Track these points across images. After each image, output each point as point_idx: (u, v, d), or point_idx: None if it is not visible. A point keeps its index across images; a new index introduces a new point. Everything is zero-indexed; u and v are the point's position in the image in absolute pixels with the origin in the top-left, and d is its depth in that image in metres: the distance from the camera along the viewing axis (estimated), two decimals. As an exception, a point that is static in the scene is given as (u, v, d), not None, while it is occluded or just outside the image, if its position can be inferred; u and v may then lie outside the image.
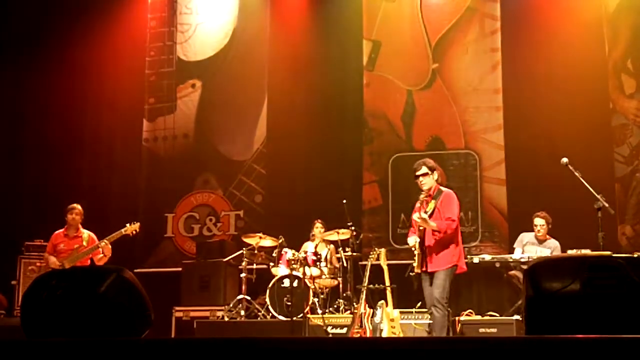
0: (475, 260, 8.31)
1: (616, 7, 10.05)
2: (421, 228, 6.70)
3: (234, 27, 11.41)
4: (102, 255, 8.07)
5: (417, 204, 6.90)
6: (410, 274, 6.81)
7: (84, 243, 8.18)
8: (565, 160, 7.50)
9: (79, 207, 8.36)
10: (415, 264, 6.75)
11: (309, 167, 10.65)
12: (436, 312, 6.64)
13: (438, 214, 6.66)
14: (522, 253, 8.46)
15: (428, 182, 6.76)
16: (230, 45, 11.39)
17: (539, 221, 8.52)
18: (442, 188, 6.89)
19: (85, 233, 8.29)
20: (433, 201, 6.71)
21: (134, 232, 8.30)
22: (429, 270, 6.69)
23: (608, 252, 6.72)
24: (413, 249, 6.74)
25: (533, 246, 8.50)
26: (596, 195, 7.33)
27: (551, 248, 8.44)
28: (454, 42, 10.54)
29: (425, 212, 6.68)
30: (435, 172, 6.81)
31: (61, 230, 8.36)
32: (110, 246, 8.07)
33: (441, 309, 6.64)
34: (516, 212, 9.52)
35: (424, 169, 6.75)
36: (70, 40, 11.29)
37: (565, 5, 10.19)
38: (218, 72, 11.38)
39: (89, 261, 8.20)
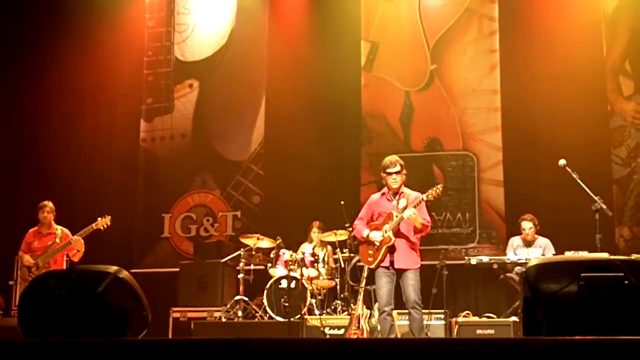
0: (473, 261, 8.28)
1: (614, 9, 10.06)
2: (388, 226, 6.69)
3: (232, 27, 11.40)
4: (76, 251, 8.07)
5: (377, 197, 6.97)
6: (371, 267, 6.82)
7: (57, 240, 8.18)
8: (563, 161, 7.51)
9: (50, 204, 8.38)
10: (373, 259, 6.75)
11: (307, 167, 10.64)
12: (416, 313, 6.68)
13: (409, 219, 6.70)
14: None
15: (400, 180, 6.81)
16: (228, 45, 11.38)
17: (526, 224, 8.53)
18: (409, 190, 6.91)
19: (59, 229, 8.29)
20: (404, 200, 6.74)
21: (105, 225, 8.28)
22: (395, 267, 6.70)
23: (605, 254, 6.72)
24: (376, 243, 6.75)
25: (524, 249, 8.51)
26: (594, 197, 7.34)
27: (542, 246, 8.45)
28: (452, 43, 10.55)
29: (398, 209, 6.71)
30: (404, 170, 6.86)
31: (34, 228, 8.36)
32: (82, 241, 8.07)
33: (419, 309, 6.72)
34: (514, 213, 9.50)
35: (398, 167, 6.80)
36: (68, 40, 11.28)
37: (563, 7, 10.19)
38: (216, 73, 11.37)
39: (64, 257, 8.19)
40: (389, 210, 6.78)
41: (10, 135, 11.36)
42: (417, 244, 6.83)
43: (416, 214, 6.60)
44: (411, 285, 6.66)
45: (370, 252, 6.80)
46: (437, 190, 6.72)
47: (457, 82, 10.48)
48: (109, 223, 8.31)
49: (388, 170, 6.82)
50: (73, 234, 8.21)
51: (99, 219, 8.26)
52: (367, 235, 6.82)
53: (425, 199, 6.70)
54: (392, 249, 6.71)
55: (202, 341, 2.94)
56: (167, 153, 11.36)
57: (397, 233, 6.71)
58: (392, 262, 6.71)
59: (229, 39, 11.39)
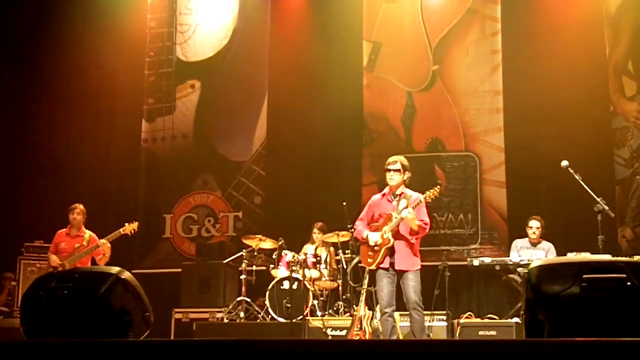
0: (475, 262, 8.27)
1: (617, 8, 10.05)
2: (387, 228, 6.69)
3: (234, 27, 11.41)
4: (102, 255, 8.09)
5: (377, 198, 6.96)
6: (371, 268, 6.81)
7: (85, 243, 8.19)
8: (565, 163, 7.50)
9: (80, 206, 8.37)
10: (372, 260, 6.75)
11: (309, 168, 10.64)
12: (416, 314, 6.67)
13: (406, 220, 6.68)
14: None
15: (397, 178, 6.80)
16: (229, 45, 11.39)
17: (534, 223, 8.52)
18: (410, 191, 6.89)
19: (87, 233, 8.30)
20: (404, 200, 6.74)
21: (133, 231, 8.31)
22: (396, 268, 6.69)
23: (608, 256, 6.71)
24: (374, 244, 6.74)
25: (528, 250, 8.50)
26: (596, 198, 7.33)
27: (545, 249, 8.44)
28: (454, 44, 10.54)
29: (398, 210, 6.71)
30: (406, 172, 6.85)
31: (64, 229, 8.37)
32: (109, 245, 8.09)
33: (421, 310, 6.70)
34: (516, 214, 9.51)
35: (398, 165, 6.81)
36: (70, 40, 11.29)
37: (565, 7, 10.18)
38: (217, 73, 11.37)
39: (89, 261, 8.20)
40: (389, 211, 6.78)
41: (12, 137, 11.36)
42: (418, 245, 6.82)
43: (413, 215, 6.59)
44: (411, 286, 6.65)
45: (370, 253, 6.80)
46: (436, 192, 6.73)
47: (459, 82, 10.47)
48: (136, 229, 8.33)
49: (388, 167, 6.84)
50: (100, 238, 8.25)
51: (127, 224, 8.27)
52: (367, 236, 6.82)
53: (423, 200, 6.69)
54: (391, 251, 6.70)
55: (204, 342, 2.94)
56: (168, 153, 11.36)
57: (397, 234, 6.70)
58: (392, 264, 6.70)
59: (230, 39, 11.39)
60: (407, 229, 6.73)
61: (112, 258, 8.14)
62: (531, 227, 8.54)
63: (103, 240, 8.09)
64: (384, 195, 6.96)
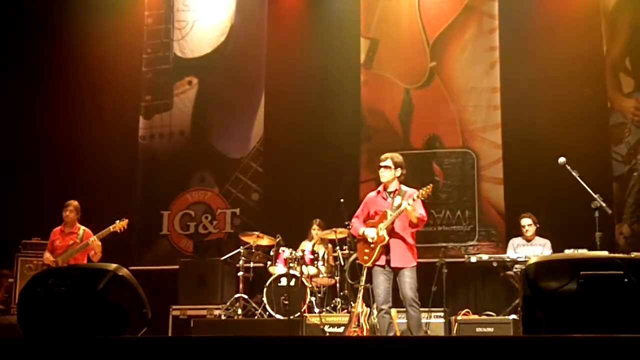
0: (473, 259, 8.29)
1: (614, 5, 10.05)
2: (382, 225, 6.69)
3: (231, 24, 11.39)
4: (94, 253, 8.06)
5: (373, 196, 6.98)
6: (367, 265, 6.82)
7: (78, 240, 8.15)
8: (562, 159, 7.50)
9: (74, 203, 8.32)
10: (368, 257, 6.76)
11: (306, 165, 10.63)
12: (413, 311, 6.67)
13: (405, 211, 6.68)
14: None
15: (387, 175, 6.82)
16: (227, 42, 11.37)
17: (525, 221, 8.56)
18: (405, 187, 6.90)
19: (81, 229, 8.25)
20: (399, 197, 6.75)
21: (122, 228, 8.25)
22: (392, 265, 6.70)
23: (605, 252, 6.73)
24: (371, 240, 6.75)
25: (524, 247, 8.52)
26: (593, 194, 7.34)
27: (542, 245, 8.47)
28: (452, 41, 10.53)
29: (393, 207, 6.72)
30: (399, 169, 6.85)
31: (60, 226, 8.35)
32: (99, 243, 8.05)
33: (417, 307, 6.71)
34: (513, 211, 9.50)
35: (389, 162, 6.83)
36: (68, 37, 11.28)
37: (563, 4, 10.19)
38: (215, 69, 11.36)
39: (85, 258, 8.18)
40: (384, 208, 6.79)
41: (10, 132, 11.34)
42: (413, 242, 6.83)
43: (413, 207, 6.60)
44: (407, 283, 6.65)
45: (366, 250, 6.81)
46: (428, 190, 6.73)
47: (456, 79, 10.46)
48: (125, 226, 8.27)
49: (379, 164, 6.86)
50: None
51: (117, 221, 8.22)
52: (363, 232, 6.83)
53: (415, 198, 6.69)
54: (387, 248, 6.70)
55: (201, 339, 2.94)
56: (165, 150, 11.35)
57: (392, 232, 6.70)
58: (387, 261, 6.71)
59: (228, 35, 11.38)
60: (403, 226, 6.73)
61: (109, 255, 8.12)
62: (524, 226, 8.57)
63: (93, 238, 8.06)
64: (378, 192, 6.96)
